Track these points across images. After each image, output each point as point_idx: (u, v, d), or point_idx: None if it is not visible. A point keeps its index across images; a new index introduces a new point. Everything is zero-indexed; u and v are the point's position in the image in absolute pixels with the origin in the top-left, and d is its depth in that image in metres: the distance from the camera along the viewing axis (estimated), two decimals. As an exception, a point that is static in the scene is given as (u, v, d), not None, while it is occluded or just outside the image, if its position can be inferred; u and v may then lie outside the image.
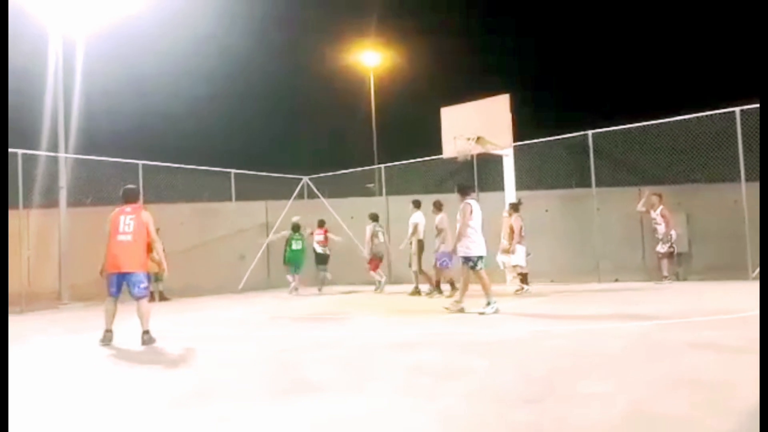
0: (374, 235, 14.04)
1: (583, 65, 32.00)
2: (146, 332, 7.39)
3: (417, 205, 12.85)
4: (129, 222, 7.57)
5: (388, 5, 33.84)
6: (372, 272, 14.38)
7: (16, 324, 10.57)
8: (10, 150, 13.43)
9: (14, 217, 13.68)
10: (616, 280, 13.33)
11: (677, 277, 12.95)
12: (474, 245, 9.05)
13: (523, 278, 12.08)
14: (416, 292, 12.56)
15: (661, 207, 12.78)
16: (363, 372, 5.24)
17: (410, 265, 12.72)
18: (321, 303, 12.31)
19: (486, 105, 13.77)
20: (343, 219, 17.39)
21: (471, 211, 9.06)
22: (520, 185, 14.18)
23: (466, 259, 9.07)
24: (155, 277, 14.80)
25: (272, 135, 34.94)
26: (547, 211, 15.41)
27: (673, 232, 12.67)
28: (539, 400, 4.01)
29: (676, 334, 6.41)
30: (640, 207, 13.17)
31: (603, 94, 29.54)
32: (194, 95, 30.82)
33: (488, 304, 8.79)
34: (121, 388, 5.09)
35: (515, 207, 12.31)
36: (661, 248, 12.69)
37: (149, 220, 7.69)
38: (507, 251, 12.17)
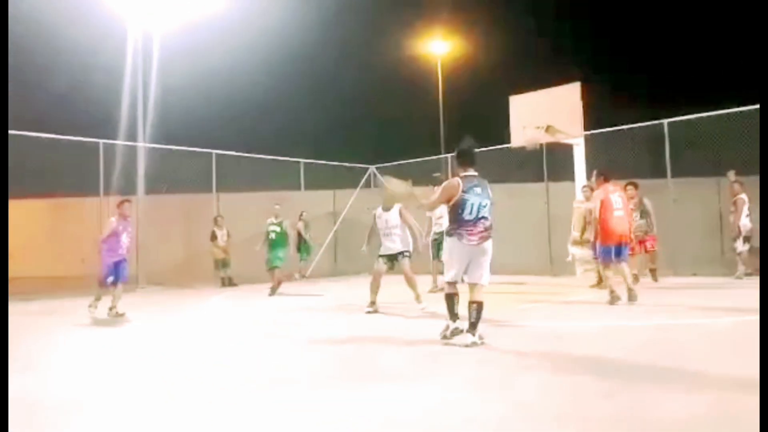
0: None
1: (659, 49, 30.70)
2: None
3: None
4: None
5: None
6: None
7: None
8: (91, 139, 14.13)
9: (95, 204, 14.38)
10: (694, 275, 12.79)
11: (758, 272, 12.30)
12: None
13: None
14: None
15: (740, 195, 11.98)
16: (434, 362, 5.24)
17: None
18: (388, 293, 12.36)
19: (556, 93, 13.47)
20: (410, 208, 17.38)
21: None
22: (592, 175, 13.79)
23: None
24: (222, 263, 15.29)
25: (340, 125, 35.22)
26: (619, 201, 14.92)
27: (742, 223, 11.89)
28: (615, 394, 3.92)
29: (755, 330, 6.09)
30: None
31: (679, 80, 28.26)
32: (266, 87, 31.41)
33: None
34: (202, 372, 5.27)
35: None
36: (740, 247, 11.94)
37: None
38: (578, 243, 11.85)
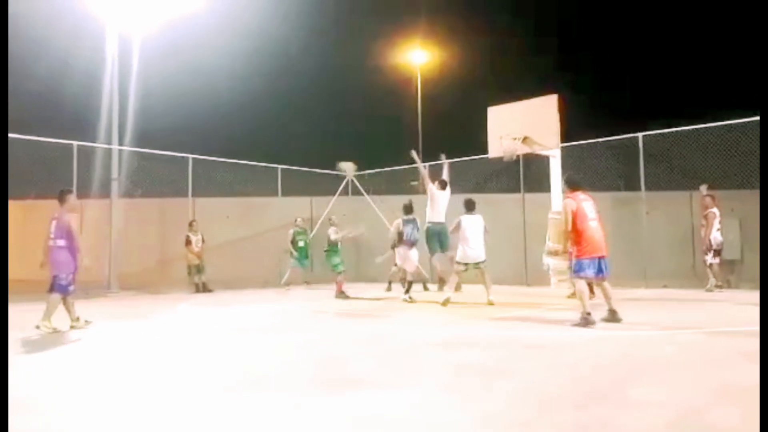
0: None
1: (635, 65, 31.26)
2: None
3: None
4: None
5: (436, 4, 33.64)
6: None
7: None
8: (65, 141, 13.92)
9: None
10: (665, 287, 12.98)
11: (729, 285, 12.54)
12: None
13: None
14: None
15: (711, 209, 12.25)
16: (405, 369, 5.24)
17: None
18: (363, 300, 12.35)
19: (533, 105, 13.58)
20: (387, 216, 17.38)
21: None
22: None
23: None
24: (197, 269, 15.12)
25: (318, 132, 35.22)
26: (594, 213, 15.11)
27: (713, 237, 12.17)
28: (584, 405, 3.94)
29: (728, 343, 6.22)
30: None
31: (655, 94, 28.79)
32: (244, 92, 31.32)
33: None
34: (170, 376, 5.20)
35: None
36: (710, 259, 12.16)
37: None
38: (553, 253, 11.93)
